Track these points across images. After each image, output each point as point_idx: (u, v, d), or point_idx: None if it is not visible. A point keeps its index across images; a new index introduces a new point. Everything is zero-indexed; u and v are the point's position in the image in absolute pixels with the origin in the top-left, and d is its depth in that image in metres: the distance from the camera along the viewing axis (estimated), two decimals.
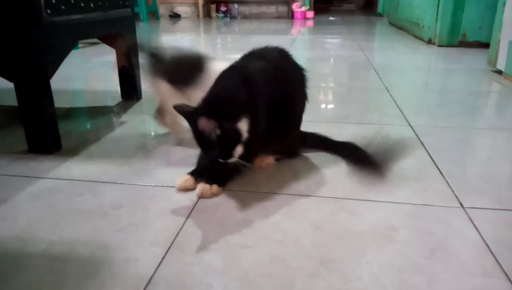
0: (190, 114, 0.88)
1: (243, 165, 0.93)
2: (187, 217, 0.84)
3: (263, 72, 0.96)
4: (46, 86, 1.11)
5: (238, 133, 0.87)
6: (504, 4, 2.06)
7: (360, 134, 1.31)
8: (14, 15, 1.02)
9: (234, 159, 0.89)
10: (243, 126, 0.88)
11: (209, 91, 0.92)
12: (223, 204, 0.89)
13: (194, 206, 0.88)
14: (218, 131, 0.84)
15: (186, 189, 0.94)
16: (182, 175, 0.96)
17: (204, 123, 0.83)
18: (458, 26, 3.03)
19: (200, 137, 0.87)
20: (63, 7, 1.14)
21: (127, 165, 1.08)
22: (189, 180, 0.95)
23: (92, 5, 1.29)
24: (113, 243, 0.75)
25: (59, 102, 1.59)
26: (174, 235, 0.78)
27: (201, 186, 0.92)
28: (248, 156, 0.98)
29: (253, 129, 0.89)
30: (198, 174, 0.97)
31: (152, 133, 1.34)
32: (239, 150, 0.88)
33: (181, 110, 0.89)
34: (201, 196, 0.91)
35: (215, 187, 0.93)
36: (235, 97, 0.88)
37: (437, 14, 3.10)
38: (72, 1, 1.19)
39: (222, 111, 0.85)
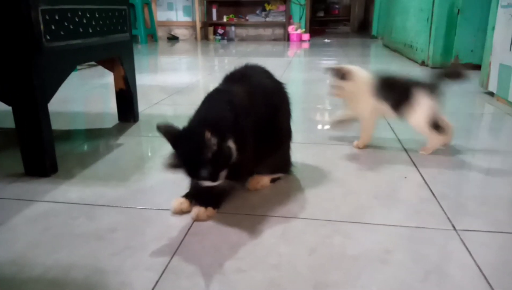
0: (180, 134, 0.88)
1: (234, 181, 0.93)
2: (182, 241, 0.84)
3: (246, 93, 0.99)
4: (44, 110, 1.12)
5: (231, 152, 0.88)
6: (493, 28, 2.12)
7: (355, 155, 1.32)
8: (15, 40, 1.04)
9: (220, 182, 0.89)
10: (232, 145, 0.88)
11: (198, 113, 0.94)
12: (218, 227, 0.90)
13: (189, 229, 0.89)
14: (215, 148, 0.84)
15: (181, 212, 0.95)
16: (177, 197, 0.97)
17: (209, 137, 0.82)
18: (451, 49, 3.09)
19: (190, 157, 0.86)
20: (62, 33, 1.17)
21: (123, 187, 1.09)
22: (184, 202, 0.96)
23: (90, 31, 1.32)
24: (109, 267, 0.75)
25: (57, 124, 1.60)
26: (168, 259, 0.78)
27: (197, 209, 0.93)
28: (239, 175, 0.99)
29: (241, 148, 0.90)
30: (193, 196, 0.97)
31: (149, 154, 1.35)
32: (224, 173, 0.88)
33: (166, 129, 0.88)
34: (196, 219, 0.92)
35: (210, 210, 0.93)
36: (225, 117, 0.90)
37: (430, 36, 3.17)
38: (71, 27, 1.21)
39: (219, 129, 0.85)
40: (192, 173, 0.88)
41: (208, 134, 0.82)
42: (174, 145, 0.89)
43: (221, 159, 0.86)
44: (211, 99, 0.99)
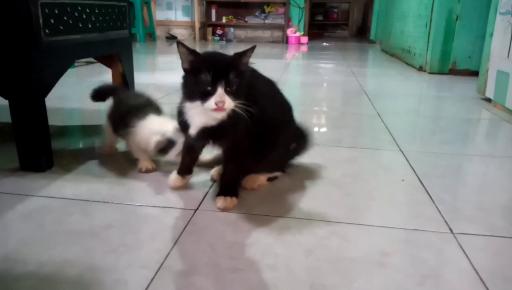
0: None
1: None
2: (177, 239, 0.83)
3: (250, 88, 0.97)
4: (41, 104, 1.11)
5: (246, 87, 0.88)
6: (491, 35, 2.13)
7: (352, 156, 1.32)
8: (13, 34, 1.03)
9: (230, 106, 0.84)
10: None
11: None
12: (214, 226, 0.89)
13: (185, 227, 0.88)
14: (248, 67, 0.88)
15: (180, 184, 1.06)
16: (172, 174, 1.07)
17: (248, 57, 0.87)
18: (448, 55, 3.10)
19: (223, 61, 0.86)
20: (61, 27, 1.16)
21: (119, 184, 1.08)
22: (178, 178, 1.06)
23: (89, 26, 1.31)
24: (103, 265, 0.74)
25: (53, 120, 1.59)
26: (163, 257, 0.77)
27: (222, 200, 0.97)
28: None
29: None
30: (184, 171, 1.06)
31: None
32: (232, 103, 0.84)
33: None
34: (224, 209, 0.96)
35: (234, 199, 0.98)
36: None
37: (428, 42, 3.18)
38: (70, 22, 1.20)
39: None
40: (218, 74, 0.82)
41: (251, 52, 0.86)
42: (197, 53, 0.85)
43: (243, 84, 0.86)
44: None
